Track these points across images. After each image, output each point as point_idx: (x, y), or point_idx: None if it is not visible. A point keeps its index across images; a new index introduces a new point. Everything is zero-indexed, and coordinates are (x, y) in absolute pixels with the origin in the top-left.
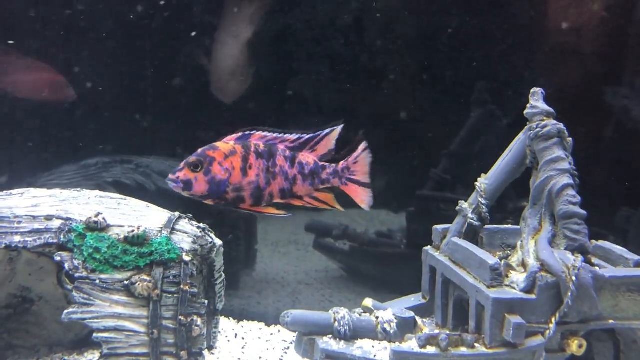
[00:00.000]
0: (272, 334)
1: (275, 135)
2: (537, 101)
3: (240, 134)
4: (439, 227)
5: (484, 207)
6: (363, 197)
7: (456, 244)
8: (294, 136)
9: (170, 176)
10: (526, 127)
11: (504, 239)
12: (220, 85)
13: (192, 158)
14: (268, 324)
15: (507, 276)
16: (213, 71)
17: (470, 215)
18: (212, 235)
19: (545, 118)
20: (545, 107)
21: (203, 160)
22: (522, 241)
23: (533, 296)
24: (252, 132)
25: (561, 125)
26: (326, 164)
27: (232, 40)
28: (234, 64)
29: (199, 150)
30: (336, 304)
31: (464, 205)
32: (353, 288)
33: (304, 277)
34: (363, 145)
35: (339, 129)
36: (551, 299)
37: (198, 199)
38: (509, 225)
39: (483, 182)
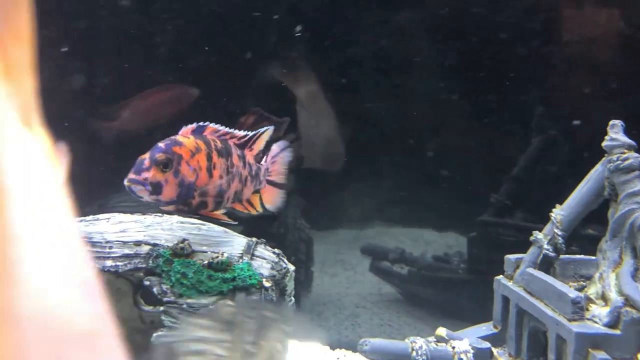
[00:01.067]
0: (338, 358)
1: (225, 129)
2: (616, 133)
3: (195, 125)
4: (512, 256)
5: (559, 238)
6: (274, 198)
7: (532, 274)
8: (241, 132)
9: (134, 176)
10: (604, 159)
11: (577, 270)
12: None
13: (158, 154)
14: (332, 348)
15: (587, 309)
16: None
17: (545, 246)
18: (285, 260)
19: (626, 151)
20: (626, 139)
21: (172, 158)
22: (601, 273)
23: (617, 331)
24: (206, 124)
25: None
26: (260, 164)
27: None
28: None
29: (161, 145)
30: (396, 329)
31: (539, 235)
32: (412, 312)
33: (359, 300)
34: (280, 144)
35: (270, 129)
36: (637, 335)
37: (160, 205)
38: (582, 256)
39: (559, 212)
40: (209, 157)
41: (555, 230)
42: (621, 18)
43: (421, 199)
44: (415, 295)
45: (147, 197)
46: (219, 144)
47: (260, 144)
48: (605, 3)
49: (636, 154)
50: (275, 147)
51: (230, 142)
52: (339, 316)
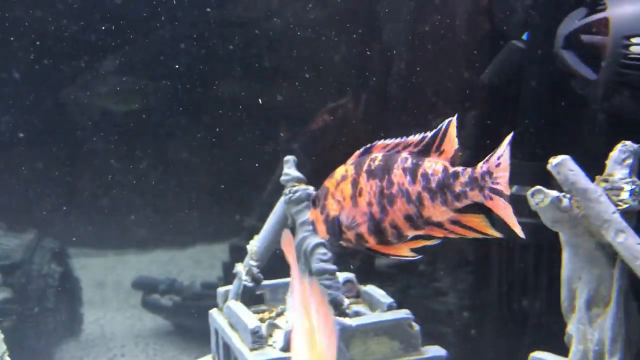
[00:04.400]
0: None
1: (396, 141)
2: (289, 168)
3: (361, 149)
4: (222, 289)
5: (255, 268)
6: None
7: (229, 307)
8: (417, 137)
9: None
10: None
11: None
12: None
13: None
14: None
15: (271, 335)
16: None
17: (244, 277)
18: None
19: (296, 184)
20: (296, 173)
21: (320, 194)
22: (287, 298)
23: (289, 354)
24: (373, 145)
25: (310, 189)
26: (459, 168)
27: None
28: None
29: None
30: None
31: (238, 268)
32: (178, 344)
33: (130, 336)
34: (509, 139)
35: (454, 119)
36: None
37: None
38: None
39: (254, 244)
40: (354, 183)
41: (250, 262)
42: None
43: None
44: (182, 326)
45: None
46: (375, 163)
47: (452, 142)
48: None
49: (305, 187)
50: (505, 142)
51: (403, 153)
52: (108, 355)
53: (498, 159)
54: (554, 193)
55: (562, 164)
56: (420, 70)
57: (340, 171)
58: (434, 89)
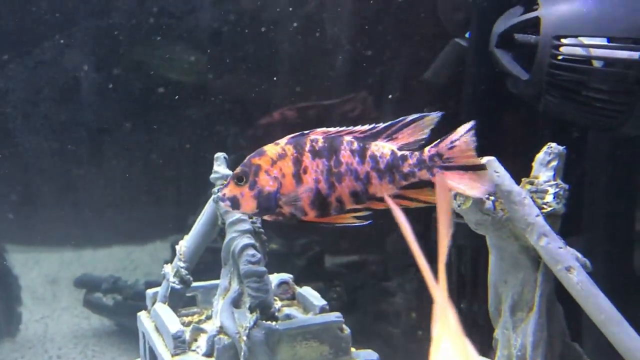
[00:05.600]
0: None
1: (339, 129)
2: (219, 166)
3: (295, 134)
4: (151, 291)
5: (183, 270)
6: (473, 184)
7: (155, 310)
8: (366, 127)
9: (219, 192)
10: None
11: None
12: None
13: (237, 169)
14: None
15: (196, 340)
16: None
17: (172, 279)
18: None
19: (225, 182)
20: (226, 171)
21: (248, 171)
22: (214, 301)
23: (213, 359)
24: (311, 130)
25: None
26: (407, 152)
27: None
28: None
29: (247, 158)
30: None
31: (166, 269)
32: (120, 345)
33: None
34: (465, 126)
35: (435, 116)
36: None
37: (257, 217)
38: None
39: (183, 245)
40: (297, 162)
41: (179, 263)
42: None
43: None
44: (124, 326)
45: (234, 211)
46: (318, 144)
47: (415, 132)
48: None
49: None
50: (461, 129)
51: (347, 137)
52: (44, 357)
53: (452, 142)
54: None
55: (487, 165)
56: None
57: (273, 150)
58: (378, 87)
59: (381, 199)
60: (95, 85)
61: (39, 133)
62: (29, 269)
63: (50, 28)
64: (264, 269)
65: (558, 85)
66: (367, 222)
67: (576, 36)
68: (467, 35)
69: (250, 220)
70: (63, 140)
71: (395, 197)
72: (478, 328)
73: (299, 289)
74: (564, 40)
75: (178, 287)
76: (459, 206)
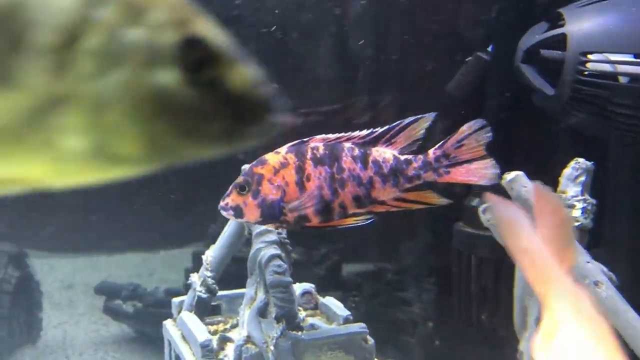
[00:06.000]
0: None
1: (338, 135)
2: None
3: (296, 142)
4: (177, 299)
5: (209, 279)
6: (480, 172)
7: (182, 319)
8: (364, 132)
9: (221, 202)
10: None
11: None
12: None
13: (239, 178)
14: None
15: (223, 349)
16: None
17: (198, 288)
18: None
19: None
20: None
21: (250, 180)
22: (240, 310)
23: None
24: (311, 138)
25: None
26: (410, 156)
27: None
28: None
29: (247, 167)
30: None
31: (193, 278)
32: (141, 352)
33: (90, 343)
34: (470, 125)
35: (428, 117)
36: None
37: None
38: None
39: (209, 254)
40: (299, 170)
41: (205, 272)
42: None
43: None
44: (144, 333)
45: (237, 220)
46: (319, 151)
47: (410, 135)
48: None
49: None
50: (465, 128)
51: (347, 144)
52: None
53: (458, 142)
54: None
55: (515, 180)
56: (384, 80)
57: (275, 159)
58: (400, 99)
59: (383, 202)
60: None
61: None
62: (45, 274)
63: None
64: (289, 279)
65: (583, 100)
66: (367, 222)
67: (602, 52)
68: (489, 49)
69: (277, 231)
70: None
71: (396, 199)
72: (499, 340)
73: (321, 299)
74: (590, 57)
75: (204, 296)
76: (488, 221)
